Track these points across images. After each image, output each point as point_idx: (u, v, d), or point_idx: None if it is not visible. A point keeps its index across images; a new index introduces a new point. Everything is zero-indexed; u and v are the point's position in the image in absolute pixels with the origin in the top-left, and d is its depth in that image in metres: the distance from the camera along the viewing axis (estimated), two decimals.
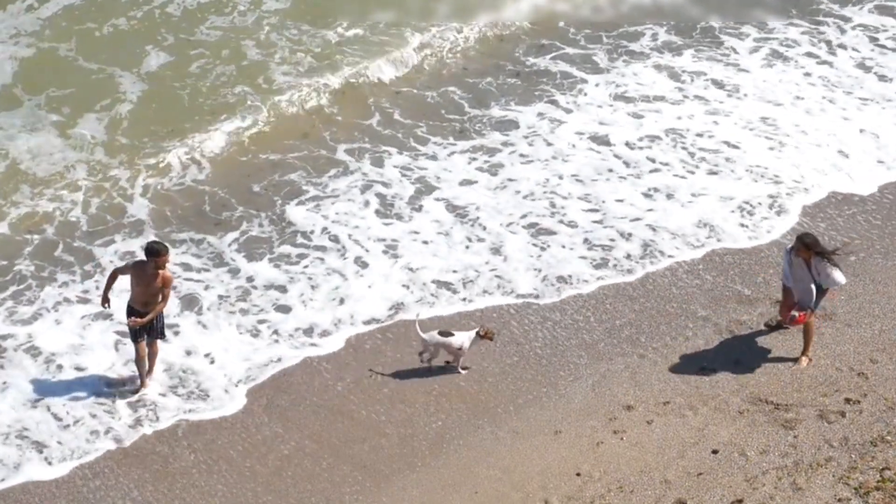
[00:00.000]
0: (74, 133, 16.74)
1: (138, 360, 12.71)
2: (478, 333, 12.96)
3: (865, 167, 16.23)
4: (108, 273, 13.24)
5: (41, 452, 12.18)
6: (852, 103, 17.67)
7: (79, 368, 13.16)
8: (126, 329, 12.84)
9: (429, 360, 13.03)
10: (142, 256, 12.97)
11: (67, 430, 12.41)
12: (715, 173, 16.22)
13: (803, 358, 12.94)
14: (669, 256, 14.73)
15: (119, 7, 19.15)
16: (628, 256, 14.71)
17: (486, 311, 13.86)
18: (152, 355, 12.83)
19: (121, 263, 13.95)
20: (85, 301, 14.04)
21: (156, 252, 12.19)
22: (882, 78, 18.28)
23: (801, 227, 14.91)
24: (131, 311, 12.46)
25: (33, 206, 15.50)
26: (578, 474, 11.69)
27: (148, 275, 12.27)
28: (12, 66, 17.98)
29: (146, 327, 12.52)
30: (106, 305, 12.76)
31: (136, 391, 12.76)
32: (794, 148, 16.70)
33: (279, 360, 13.29)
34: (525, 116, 17.52)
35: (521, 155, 16.72)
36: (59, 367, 13.17)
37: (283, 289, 14.34)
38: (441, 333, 13.00)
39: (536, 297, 14.08)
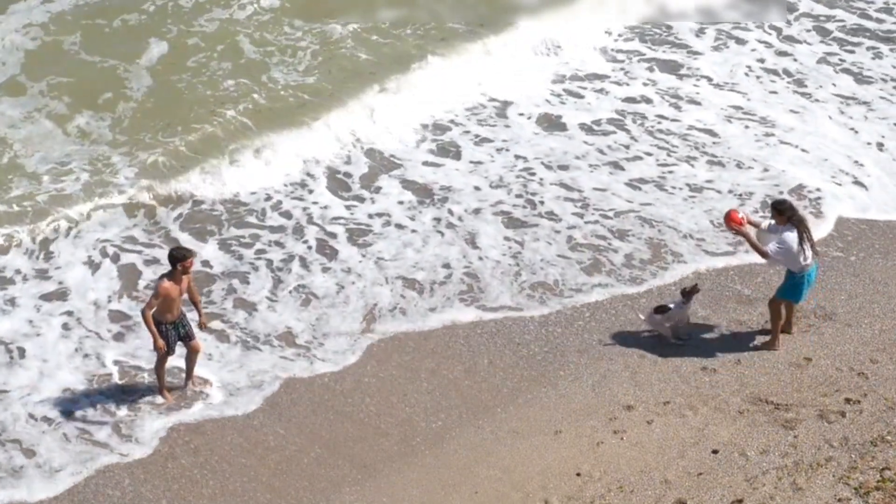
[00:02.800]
0: (69, 117, 16.92)
1: (162, 369, 12.59)
2: (684, 293, 13.16)
3: (886, 189, 15.92)
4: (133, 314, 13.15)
5: (31, 457, 12.14)
6: (833, 102, 17.63)
7: (44, 360, 13.20)
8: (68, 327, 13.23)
9: (662, 332, 13.27)
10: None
11: (60, 430, 12.41)
12: (720, 164, 16.09)
13: (774, 340, 13.05)
14: (682, 262, 14.62)
15: (128, 3, 19.35)
16: (629, 260, 14.59)
17: (467, 325, 13.73)
18: (195, 355, 12.71)
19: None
20: (44, 278, 14.10)
21: (182, 257, 12.10)
22: (858, 77, 18.24)
23: (837, 235, 14.90)
24: (158, 325, 12.23)
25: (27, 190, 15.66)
26: (578, 474, 11.68)
27: (178, 281, 12.16)
28: (18, 57, 18.09)
29: (180, 333, 12.44)
30: (164, 349, 12.35)
31: (161, 397, 12.69)
32: (794, 147, 16.68)
33: (277, 363, 13.30)
34: (454, 92, 17.50)
35: (475, 135, 16.68)
36: (22, 352, 13.21)
37: (244, 278, 14.34)
38: (657, 311, 13.24)
39: (519, 309, 13.98)
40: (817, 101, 17.70)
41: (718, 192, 15.73)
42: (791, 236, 12.47)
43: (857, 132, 17.03)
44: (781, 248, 12.48)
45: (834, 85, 18.02)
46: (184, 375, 12.90)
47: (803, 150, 16.60)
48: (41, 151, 16.26)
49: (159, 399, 12.67)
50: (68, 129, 16.72)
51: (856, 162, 16.37)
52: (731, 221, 12.68)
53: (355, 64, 18.22)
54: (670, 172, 16.15)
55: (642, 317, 13.44)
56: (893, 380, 12.60)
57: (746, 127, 17.02)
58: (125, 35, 18.62)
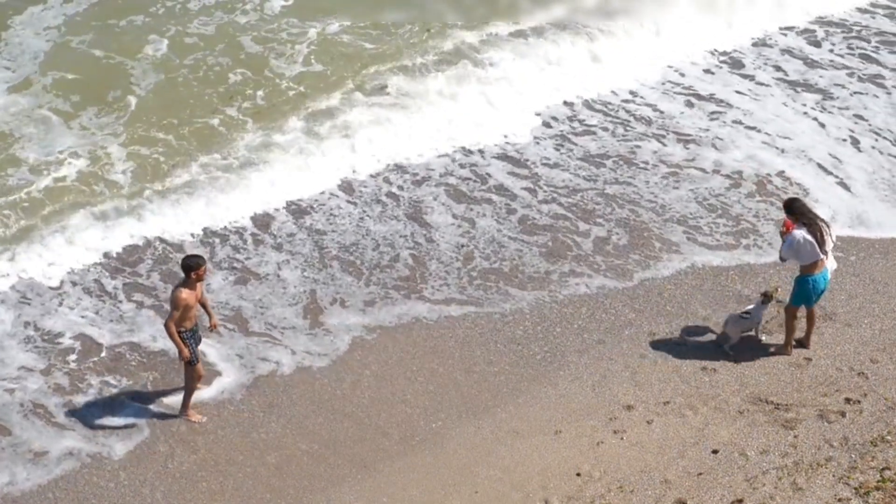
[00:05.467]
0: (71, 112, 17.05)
1: (194, 384, 12.42)
2: (764, 301, 13.00)
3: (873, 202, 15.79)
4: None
5: (6, 435, 12.14)
6: (780, 87, 17.66)
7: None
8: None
9: (732, 343, 13.12)
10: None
11: (57, 428, 12.39)
12: (693, 143, 15.98)
13: (786, 345, 13.04)
14: (677, 252, 14.57)
15: (139, 4, 19.48)
16: (601, 245, 14.42)
17: (461, 321, 13.73)
18: None
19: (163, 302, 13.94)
20: None
21: (196, 265, 12.02)
22: (806, 62, 18.19)
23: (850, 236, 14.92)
24: (178, 333, 12.09)
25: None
26: (578, 474, 11.68)
27: (193, 288, 12.05)
28: (30, 55, 18.18)
29: (199, 340, 12.42)
30: (189, 358, 12.22)
31: (188, 416, 12.51)
32: (756, 130, 16.67)
33: (252, 349, 13.32)
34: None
35: (400, 104, 16.80)
36: None
37: (179, 248, 14.51)
38: (742, 316, 13.08)
39: (478, 303, 13.94)
40: (762, 83, 17.72)
41: (703, 171, 15.60)
42: (798, 233, 12.44)
43: (823, 125, 17.02)
44: (786, 247, 12.49)
45: (777, 69, 17.97)
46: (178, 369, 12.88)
47: (767, 134, 16.59)
48: (38, 144, 16.35)
49: (157, 398, 12.67)
50: (70, 124, 16.81)
51: (836, 158, 16.35)
52: (785, 227, 12.74)
53: (351, 59, 18.36)
54: (638, 147, 16.05)
55: (724, 320, 13.27)
56: (893, 380, 12.60)
57: (691, 104, 16.96)
58: (131, 34, 18.74)
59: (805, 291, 12.68)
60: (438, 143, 16.29)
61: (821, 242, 12.45)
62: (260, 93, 17.54)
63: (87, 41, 18.62)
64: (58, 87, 17.56)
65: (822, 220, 12.61)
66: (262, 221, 15.21)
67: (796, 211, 12.55)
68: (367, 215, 15.20)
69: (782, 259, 12.66)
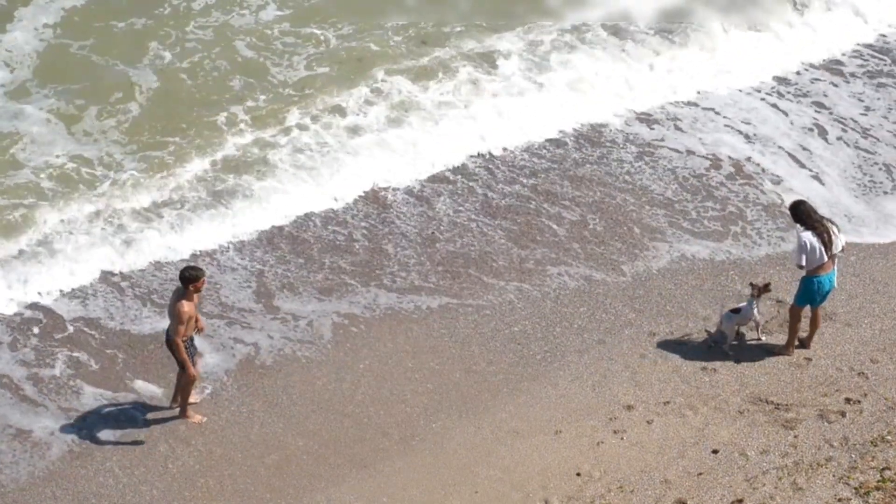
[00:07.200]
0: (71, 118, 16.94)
1: (190, 387, 12.37)
2: (753, 295, 12.90)
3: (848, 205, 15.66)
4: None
5: (29, 449, 12.13)
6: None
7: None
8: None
9: (730, 342, 13.04)
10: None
11: (58, 425, 12.39)
12: (656, 123, 15.92)
13: (788, 346, 13.01)
14: (662, 240, 14.53)
15: (140, 5, 19.37)
16: (579, 230, 14.34)
17: (456, 316, 13.71)
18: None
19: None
20: None
21: (195, 278, 11.99)
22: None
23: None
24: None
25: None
26: (578, 474, 11.68)
27: (191, 299, 12.03)
28: (28, 58, 18.15)
29: (195, 347, 12.42)
30: (194, 377, 12.27)
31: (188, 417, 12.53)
32: (715, 112, 16.63)
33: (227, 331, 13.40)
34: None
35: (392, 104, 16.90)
36: None
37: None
38: (733, 311, 13.01)
39: (456, 294, 13.91)
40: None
41: (677, 151, 15.54)
42: (804, 235, 12.45)
43: (786, 113, 16.97)
44: (797, 251, 12.52)
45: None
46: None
47: (726, 117, 16.56)
48: (36, 149, 16.33)
49: (158, 398, 12.67)
50: (72, 130, 16.76)
51: (807, 150, 16.31)
52: None
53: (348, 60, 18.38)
54: (604, 126, 16.00)
55: (718, 316, 13.25)
56: (893, 380, 12.61)
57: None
58: (133, 36, 18.71)
59: (810, 292, 12.67)
60: (425, 142, 16.30)
61: (827, 245, 12.46)
62: (261, 96, 17.50)
63: (87, 46, 18.54)
64: (58, 89, 17.51)
65: (830, 222, 12.63)
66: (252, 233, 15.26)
67: (802, 214, 12.55)
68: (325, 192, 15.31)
69: (800, 266, 12.60)
